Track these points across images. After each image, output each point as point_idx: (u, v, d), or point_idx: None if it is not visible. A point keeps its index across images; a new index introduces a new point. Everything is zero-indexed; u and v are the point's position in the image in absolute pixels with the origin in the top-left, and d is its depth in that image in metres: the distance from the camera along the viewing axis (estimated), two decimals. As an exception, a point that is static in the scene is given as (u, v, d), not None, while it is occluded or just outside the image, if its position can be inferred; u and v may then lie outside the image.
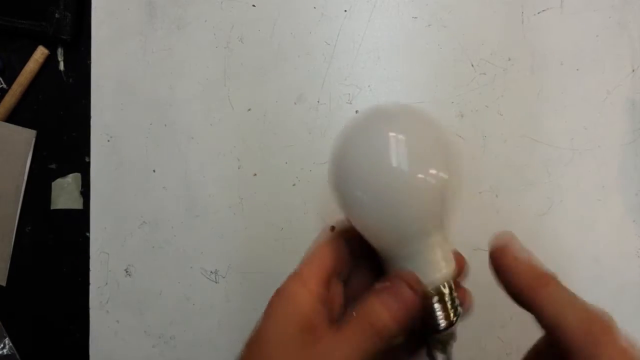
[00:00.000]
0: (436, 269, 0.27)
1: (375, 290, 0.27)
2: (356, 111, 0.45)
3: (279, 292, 0.27)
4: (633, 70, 0.44)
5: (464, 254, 0.31)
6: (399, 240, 0.27)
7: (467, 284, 0.34)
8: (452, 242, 0.29)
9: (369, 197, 0.26)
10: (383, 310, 0.25)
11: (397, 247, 0.28)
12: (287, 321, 0.26)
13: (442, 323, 0.27)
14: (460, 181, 0.28)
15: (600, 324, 0.23)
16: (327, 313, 0.27)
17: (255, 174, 0.46)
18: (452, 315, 0.27)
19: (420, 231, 0.27)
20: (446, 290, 0.27)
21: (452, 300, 0.28)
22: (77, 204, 0.48)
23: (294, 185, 0.45)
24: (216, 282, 0.46)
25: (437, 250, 0.27)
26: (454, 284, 0.28)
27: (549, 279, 0.26)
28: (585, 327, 0.22)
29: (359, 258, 0.31)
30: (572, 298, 0.25)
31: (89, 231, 0.47)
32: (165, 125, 0.46)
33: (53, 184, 0.48)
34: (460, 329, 0.30)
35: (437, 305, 0.27)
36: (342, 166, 0.28)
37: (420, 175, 0.26)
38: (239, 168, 0.46)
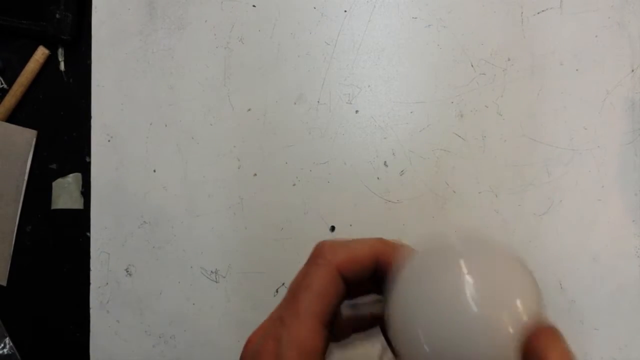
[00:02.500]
0: None
1: None
2: (356, 111, 0.45)
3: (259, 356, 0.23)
4: (632, 70, 0.44)
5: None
6: None
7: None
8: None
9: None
10: None
11: None
12: None
13: None
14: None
15: None
16: None
17: (255, 174, 0.46)
18: None
19: None
20: None
21: None
22: (78, 204, 0.48)
23: (294, 185, 0.45)
24: (216, 282, 0.46)
25: None
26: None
27: None
28: None
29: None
30: None
31: (89, 231, 0.47)
32: (166, 125, 0.46)
33: (53, 183, 0.48)
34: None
35: None
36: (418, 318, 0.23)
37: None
38: (239, 168, 0.46)
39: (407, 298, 0.23)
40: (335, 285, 0.24)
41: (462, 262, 0.22)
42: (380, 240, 0.25)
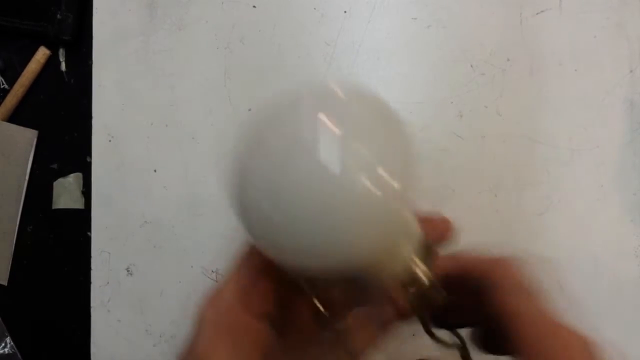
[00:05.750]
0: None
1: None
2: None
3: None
4: (631, 71, 0.45)
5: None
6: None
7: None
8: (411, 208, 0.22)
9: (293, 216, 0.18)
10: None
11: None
12: None
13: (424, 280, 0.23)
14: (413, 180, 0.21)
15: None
16: None
17: (255, 174, 0.46)
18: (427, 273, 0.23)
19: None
20: (419, 274, 0.22)
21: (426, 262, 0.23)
22: (79, 204, 0.48)
23: (294, 185, 0.45)
24: (217, 282, 0.46)
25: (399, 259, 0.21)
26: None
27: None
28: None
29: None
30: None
31: (90, 231, 0.47)
32: (166, 125, 0.47)
33: (54, 183, 0.48)
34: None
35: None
36: (250, 169, 0.19)
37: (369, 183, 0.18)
38: (239, 168, 0.46)
39: (250, 159, 0.19)
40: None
41: (310, 113, 0.19)
42: None
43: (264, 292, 0.22)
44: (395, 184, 0.19)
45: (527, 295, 0.27)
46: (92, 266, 0.47)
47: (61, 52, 0.48)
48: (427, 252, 0.23)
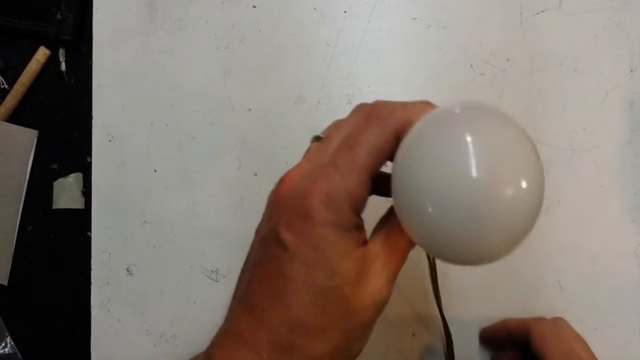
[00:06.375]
0: None
1: None
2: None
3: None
4: (631, 71, 0.45)
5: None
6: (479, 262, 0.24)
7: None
8: None
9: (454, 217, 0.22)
10: None
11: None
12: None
13: None
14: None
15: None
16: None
17: (255, 174, 0.46)
18: None
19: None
20: None
21: None
22: (79, 204, 0.48)
23: (294, 185, 0.45)
24: (217, 282, 0.46)
25: None
26: None
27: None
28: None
29: None
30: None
31: (90, 231, 0.47)
32: (166, 125, 0.47)
33: (54, 183, 0.48)
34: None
35: None
36: (412, 178, 0.23)
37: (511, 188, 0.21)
38: (239, 168, 0.46)
39: (410, 161, 0.23)
40: (389, 144, 0.25)
41: (465, 127, 0.22)
42: (429, 103, 0.26)
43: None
44: (530, 186, 0.22)
45: (557, 337, 0.34)
46: (92, 266, 0.47)
47: (61, 52, 0.48)
48: None
